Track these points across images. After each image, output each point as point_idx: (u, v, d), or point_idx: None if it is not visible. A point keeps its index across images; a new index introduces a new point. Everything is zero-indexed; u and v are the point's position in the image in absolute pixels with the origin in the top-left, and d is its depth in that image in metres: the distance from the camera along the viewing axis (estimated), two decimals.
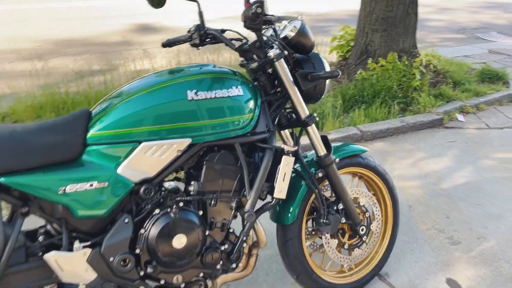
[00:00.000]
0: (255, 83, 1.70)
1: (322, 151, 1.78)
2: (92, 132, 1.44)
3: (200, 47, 1.83)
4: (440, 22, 8.77)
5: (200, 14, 1.78)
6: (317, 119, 1.74)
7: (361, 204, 1.96)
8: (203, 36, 1.77)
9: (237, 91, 1.56)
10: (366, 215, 1.98)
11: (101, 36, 6.91)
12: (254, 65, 1.66)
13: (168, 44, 1.89)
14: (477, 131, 3.82)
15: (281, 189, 1.63)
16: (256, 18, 1.42)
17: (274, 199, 1.66)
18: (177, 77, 1.52)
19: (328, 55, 5.02)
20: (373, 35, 4.45)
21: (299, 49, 1.72)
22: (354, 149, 1.94)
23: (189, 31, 1.80)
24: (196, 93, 1.49)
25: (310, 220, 1.91)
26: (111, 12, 8.85)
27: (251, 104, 1.59)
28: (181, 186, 1.66)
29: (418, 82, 4.20)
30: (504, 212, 2.68)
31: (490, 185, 2.97)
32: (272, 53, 1.60)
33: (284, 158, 1.63)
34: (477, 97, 4.34)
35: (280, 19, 1.45)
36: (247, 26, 1.47)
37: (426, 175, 3.10)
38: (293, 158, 1.65)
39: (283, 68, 1.64)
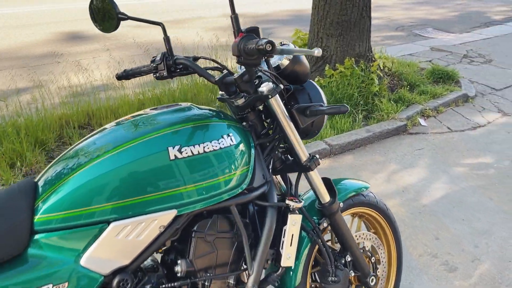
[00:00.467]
0: (243, 123, 1.39)
1: (327, 197, 1.50)
2: (41, 215, 1.05)
3: (167, 79, 1.49)
4: (378, 20, 8.86)
5: (167, 40, 1.43)
6: (320, 161, 1.46)
7: (366, 249, 1.72)
8: (171, 66, 1.42)
9: (229, 140, 1.23)
10: (372, 261, 1.73)
11: (24, 48, 6.19)
12: (241, 101, 1.33)
13: (125, 76, 1.52)
14: (441, 136, 3.76)
15: (289, 256, 1.33)
16: (254, 53, 1.10)
17: (281, 268, 1.36)
18: (151, 130, 1.17)
19: None
20: (328, 40, 4.26)
21: (293, 79, 1.42)
22: (356, 187, 1.68)
23: (153, 61, 1.44)
24: (179, 149, 1.14)
25: (313, 273, 1.63)
26: (32, 20, 8.02)
27: (245, 153, 1.27)
28: (159, 257, 1.32)
29: (377, 88, 4.08)
30: (490, 226, 2.58)
31: (468, 197, 2.87)
32: (265, 88, 1.28)
33: (290, 217, 1.33)
34: (434, 99, 4.31)
35: (283, 52, 1.14)
36: (241, 62, 1.15)
37: (404, 190, 2.95)
38: (301, 216, 1.36)
39: (279, 104, 1.33)
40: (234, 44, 1.14)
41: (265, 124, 1.43)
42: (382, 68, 4.48)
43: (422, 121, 3.95)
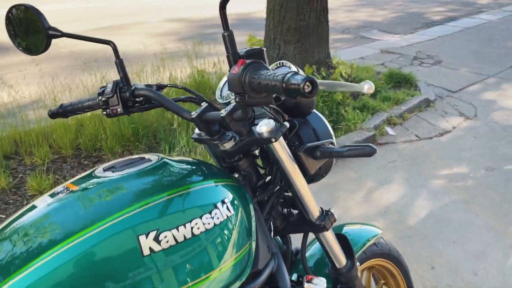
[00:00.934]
0: (234, 174, 1.02)
1: (343, 260, 1.16)
2: None
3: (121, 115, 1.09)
4: None
5: (120, 65, 1.03)
6: (336, 217, 1.11)
7: None
8: (128, 99, 1.03)
9: (224, 209, 0.85)
10: None
11: None
12: (230, 145, 0.95)
13: (61, 113, 1.12)
14: (410, 145, 3.57)
15: None
16: (273, 91, 0.73)
17: None
18: (110, 210, 0.76)
19: None
20: (285, 47, 3.97)
21: (296, 112, 1.07)
22: (367, 236, 1.36)
23: (101, 93, 1.04)
24: (156, 237, 0.75)
25: None
26: None
27: (245, 221, 0.90)
28: None
29: (340, 96, 3.83)
30: (483, 247, 2.37)
31: (454, 214, 2.67)
32: (265, 128, 0.91)
33: None
34: (398, 106, 4.14)
35: (323, 86, 0.77)
36: (245, 101, 0.77)
37: (386, 211, 2.69)
38: None
39: (283, 148, 0.97)
40: (234, 76, 0.76)
41: (259, 170, 1.07)
42: (342, 75, 4.26)
43: (389, 130, 3.75)
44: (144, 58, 4.51)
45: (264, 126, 0.91)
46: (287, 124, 0.97)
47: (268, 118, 0.94)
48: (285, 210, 1.13)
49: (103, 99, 1.02)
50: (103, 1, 10.58)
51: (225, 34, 0.83)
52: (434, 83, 5.10)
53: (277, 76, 0.69)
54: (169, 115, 3.43)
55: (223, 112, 0.90)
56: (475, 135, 3.76)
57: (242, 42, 4.67)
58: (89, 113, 3.54)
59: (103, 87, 1.04)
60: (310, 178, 1.12)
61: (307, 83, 0.65)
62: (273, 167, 1.05)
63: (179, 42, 5.47)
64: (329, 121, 3.55)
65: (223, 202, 0.85)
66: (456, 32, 8.08)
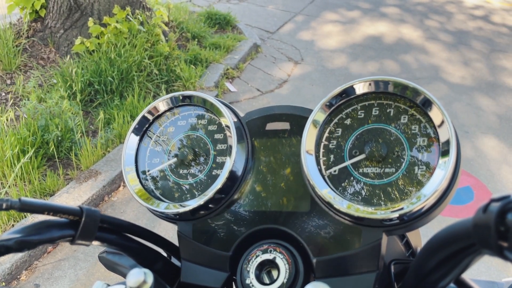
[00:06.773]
0: None
1: None
2: None
3: None
4: None
5: None
6: None
7: None
8: None
9: None
10: None
11: None
12: None
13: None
14: (255, 101, 3.14)
15: None
16: None
17: None
18: None
19: (7, 15, 3.06)
20: None
21: None
22: None
23: None
24: None
25: None
26: None
27: None
28: None
29: (167, 48, 3.05)
30: None
31: None
32: None
33: None
34: (230, 54, 3.60)
35: None
36: None
37: None
38: None
39: None
40: None
41: None
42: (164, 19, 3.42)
43: (230, 86, 3.22)
44: None
45: None
46: None
47: None
48: None
49: None
50: None
51: None
52: (251, 23, 4.72)
53: None
54: None
55: None
56: (311, 82, 3.57)
57: None
58: None
59: None
60: None
61: None
62: None
63: None
64: (163, 82, 2.79)
65: None
66: None
